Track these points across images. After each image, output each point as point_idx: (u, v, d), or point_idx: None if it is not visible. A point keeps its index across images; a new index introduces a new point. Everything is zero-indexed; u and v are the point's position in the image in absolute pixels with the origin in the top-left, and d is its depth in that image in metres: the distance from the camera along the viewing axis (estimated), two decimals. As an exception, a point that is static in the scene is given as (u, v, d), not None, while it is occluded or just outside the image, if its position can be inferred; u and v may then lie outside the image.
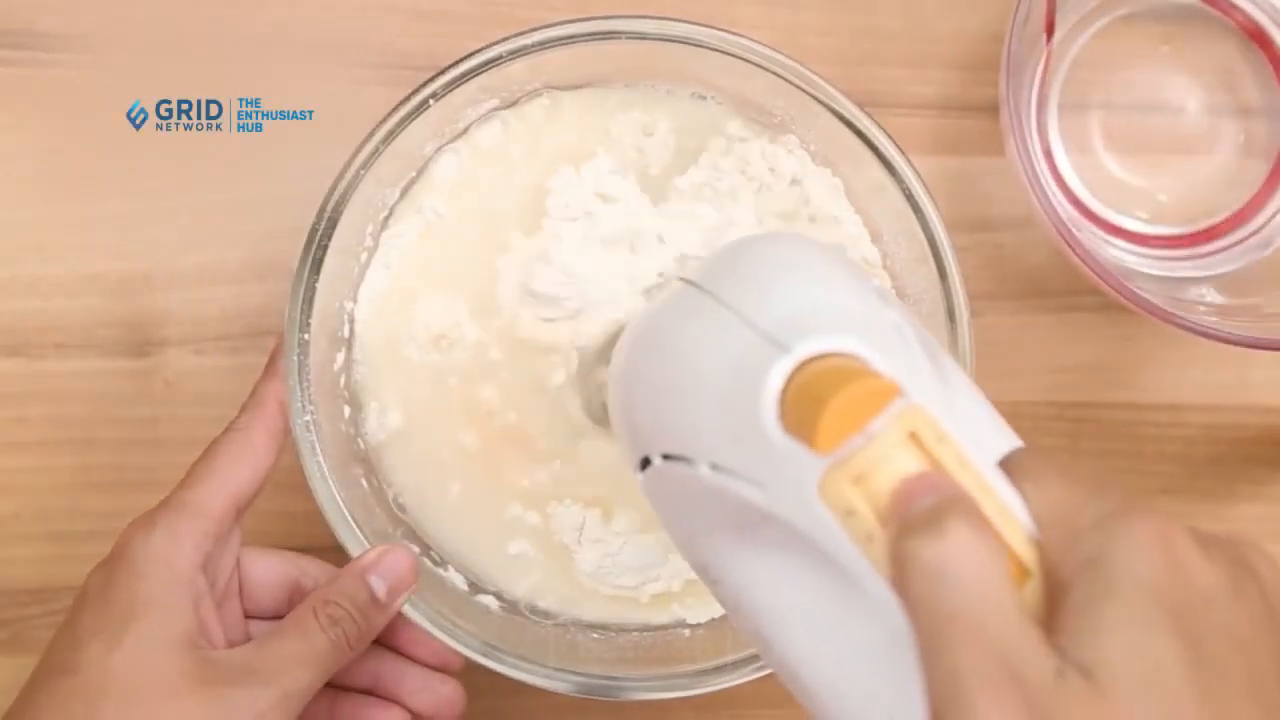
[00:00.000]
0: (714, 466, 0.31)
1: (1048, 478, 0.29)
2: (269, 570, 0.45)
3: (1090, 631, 0.26)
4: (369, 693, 0.45)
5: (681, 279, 0.35)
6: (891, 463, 0.28)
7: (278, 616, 0.44)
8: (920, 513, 0.27)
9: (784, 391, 0.29)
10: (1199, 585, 0.27)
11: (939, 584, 0.26)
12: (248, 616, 0.45)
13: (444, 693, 0.46)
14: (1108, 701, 0.25)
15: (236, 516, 0.43)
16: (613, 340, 0.47)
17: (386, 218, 0.49)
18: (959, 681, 0.26)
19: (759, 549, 0.31)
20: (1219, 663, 0.26)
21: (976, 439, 0.29)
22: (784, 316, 0.31)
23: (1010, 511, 0.28)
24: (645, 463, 0.34)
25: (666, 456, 0.33)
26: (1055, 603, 0.27)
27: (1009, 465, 0.29)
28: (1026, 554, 0.28)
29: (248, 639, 0.43)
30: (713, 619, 0.49)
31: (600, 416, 0.48)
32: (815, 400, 0.28)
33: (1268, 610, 0.28)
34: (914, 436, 0.28)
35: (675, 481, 0.33)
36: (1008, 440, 0.31)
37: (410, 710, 0.45)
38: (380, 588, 0.43)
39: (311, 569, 0.46)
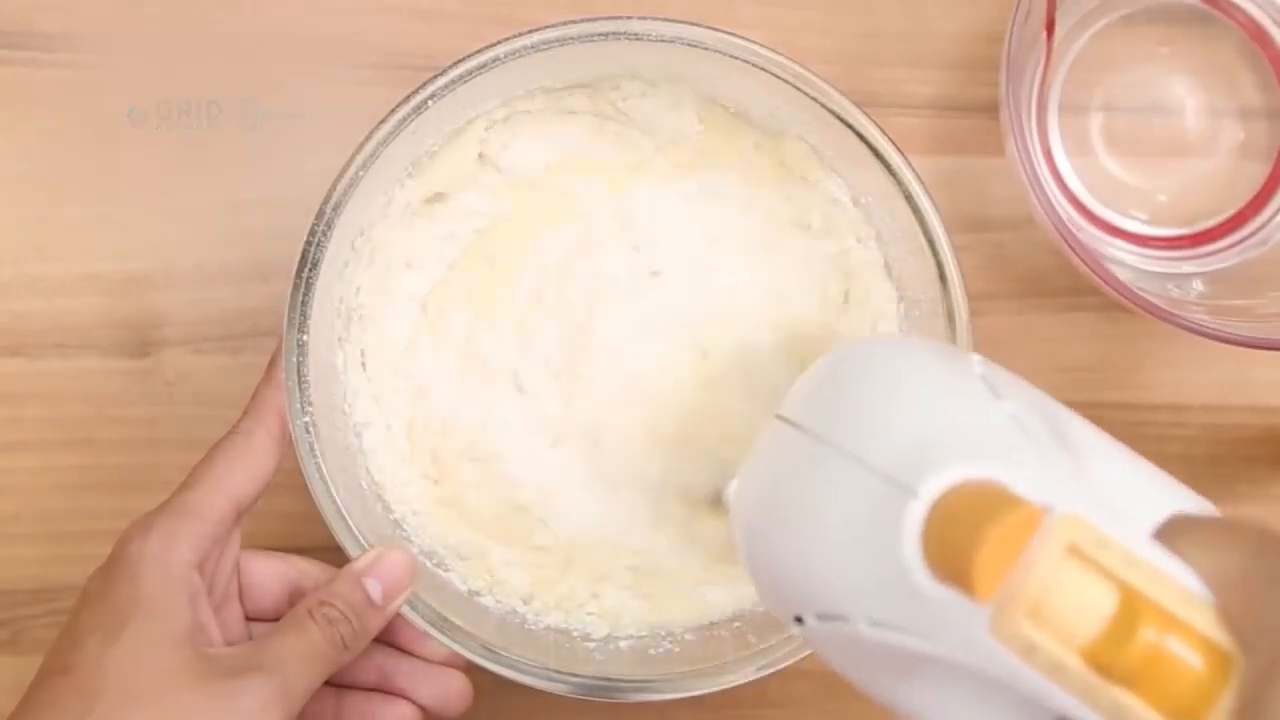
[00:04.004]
0: (872, 623, 0.30)
1: (1209, 541, 0.27)
2: (268, 572, 0.45)
3: None
4: (375, 689, 0.45)
5: (780, 417, 0.34)
6: (1059, 586, 0.27)
7: (278, 619, 0.44)
8: None
9: (923, 537, 0.28)
10: None
11: None
12: (248, 619, 0.45)
13: (450, 685, 0.46)
14: None
15: (235, 519, 0.43)
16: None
17: (386, 219, 0.49)
18: None
19: (939, 685, 0.30)
20: None
21: (1129, 511, 0.28)
22: (899, 450, 0.29)
23: (1194, 599, 0.27)
24: (799, 619, 0.33)
25: (821, 616, 0.32)
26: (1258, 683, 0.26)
27: (1168, 534, 0.28)
28: (1222, 639, 0.27)
29: (248, 640, 0.43)
30: (710, 623, 0.49)
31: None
32: (961, 545, 0.27)
33: None
34: (1073, 548, 0.27)
35: (836, 636, 0.32)
36: (1161, 494, 0.29)
37: (417, 704, 0.45)
38: (376, 591, 0.43)
39: (311, 571, 0.46)
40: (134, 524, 0.42)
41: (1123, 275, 0.49)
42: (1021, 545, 0.27)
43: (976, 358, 0.33)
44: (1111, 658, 0.26)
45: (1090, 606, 0.27)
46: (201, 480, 0.43)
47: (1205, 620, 0.27)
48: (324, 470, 0.44)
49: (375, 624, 0.43)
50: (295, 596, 0.45)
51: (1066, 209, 0.54)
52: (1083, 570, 0.27)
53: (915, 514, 0.28)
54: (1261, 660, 0.26)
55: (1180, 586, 0.27)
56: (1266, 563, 0.27)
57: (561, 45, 0.45)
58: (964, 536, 0.27)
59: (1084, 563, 0.27)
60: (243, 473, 0.43)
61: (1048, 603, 0.27)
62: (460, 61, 0.45)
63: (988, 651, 0.27)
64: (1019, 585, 0.27)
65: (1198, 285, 0.54)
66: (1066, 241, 0.48)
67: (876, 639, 0.30)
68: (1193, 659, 0.26)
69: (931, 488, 0.28)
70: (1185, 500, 0.30)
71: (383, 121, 0.45)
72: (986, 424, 0.30)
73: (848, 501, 0.30)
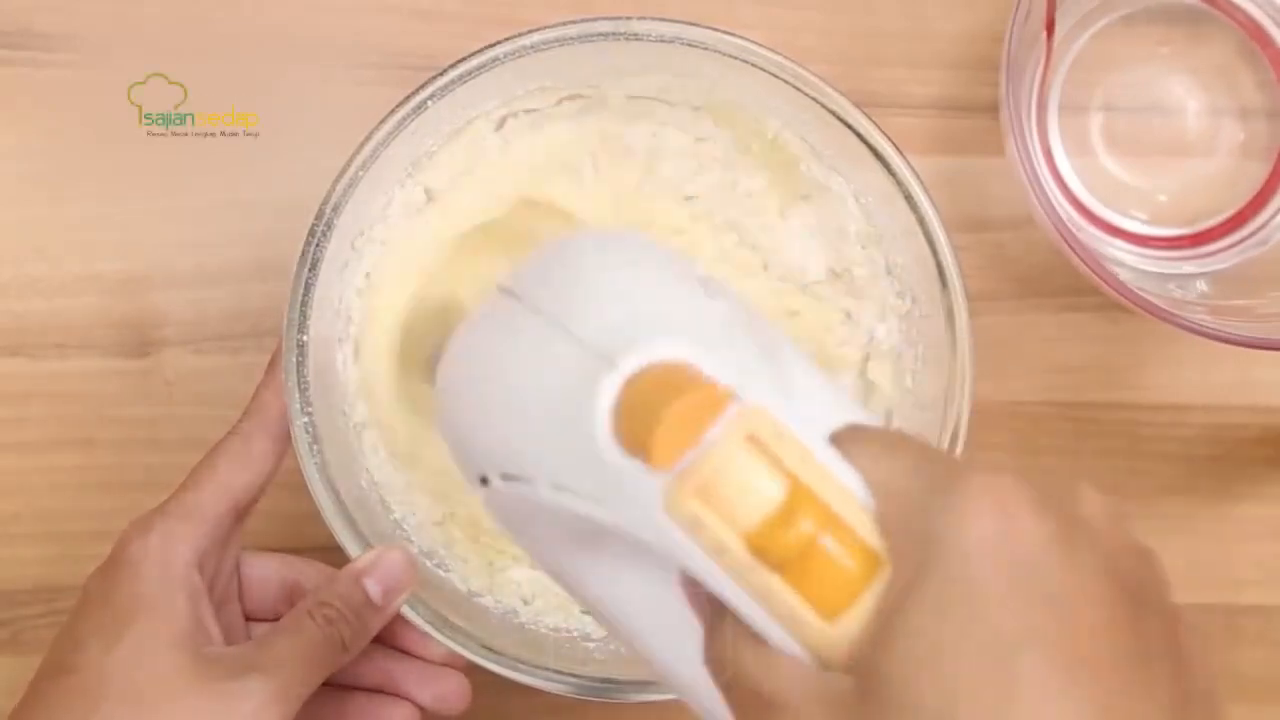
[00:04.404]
0: (555, 486, 0.31)
1: (878, 453, 0.29)
2: (268, 573, 0.45)
3: (895, 632, 0.26)
4: (376, 690, 0.46)
5: (499, 286, 0.35)
6: (733, 470, 0.28)
7: (277, 619, 0.44)
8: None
9: (615, 408, 0.29)
10: (1022, 555, 0.26)
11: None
12: (247, 619, 0.45)
13: (450, 684, 0.46)
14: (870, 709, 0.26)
15: (235, 519, 0.43)
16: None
17: (386, 218, 0.49)
18: None
19: (607, 559, 0.31)
20: (1038, 633, 0.25)
21: (813, 421, 0.29)
22: (607, 325, 0.31)
23: (856, 504, 0.28)
24: (484, 480, 0.33)
25: (505, 476, 0.32)
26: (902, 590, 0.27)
27: (842, 442, 0.29)
28: (874, 544, 0.28)
29: (247, 640, 0.43)
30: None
31: None
32: (647, 417, 0.28)
33: (1100, 563, 0.27)
34: (752, 438, 0.28)
35: (516, 499, 0.32)
36: (846, 409, 0.31)
37: (417, 704, 0.45)
38: (375, 591, 0.43)
39: (311, 571, 0.46)
40: (133, 524, 0.42)
41: (1123, 275, 0.49)
42: (704, 424, 0.28)
43: (700, 264, 0.34)
44: (769, 543, 0.28)
45: (758, 494, 0.28)
46: (201, 481, 0.43)
47: (862, 524, 0.28)
48: (324, 470, 0.44)
49: (375, 624, 0.43)
50: (295, 596, 0.45)
51: (1066, 209, 0.54)
52: (758, 459, 0.28)
53: (611, 384, 0.29)
54: (906, 568, 0.27)
55: (845, 490, 0.28)
56: (923, 479, 0.28)
57: (561, 45, 0.45)
58: (650, 408, 0.28)
59: (761, 453, 0.28)
60: (243, 473, 0.43)
61: (719, 485, 0.28)
62: (460, 61, 0.45)
63: (657, 524, 0.28)
64: (695, 463, 0.28)
65: (1198, 285, 0.55)
66: (1066, 241, 0.48)
67: (556, 503, 0.30)
68: (844, 557, 0.28)
69: (632, 362, 0.29)
70: (865, 418, 0.31)
71: (383, 121, 0.45)
72: (696, 317, 0.31)
73: (547, 366, 0.31)
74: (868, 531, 0.28)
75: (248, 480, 0.43)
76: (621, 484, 0.29)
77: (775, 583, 0.28)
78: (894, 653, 0.26)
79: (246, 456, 0.43)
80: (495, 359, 0.33)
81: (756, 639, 0.28)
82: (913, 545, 0.27)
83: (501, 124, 0.49)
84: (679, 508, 0.28)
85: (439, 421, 0.36)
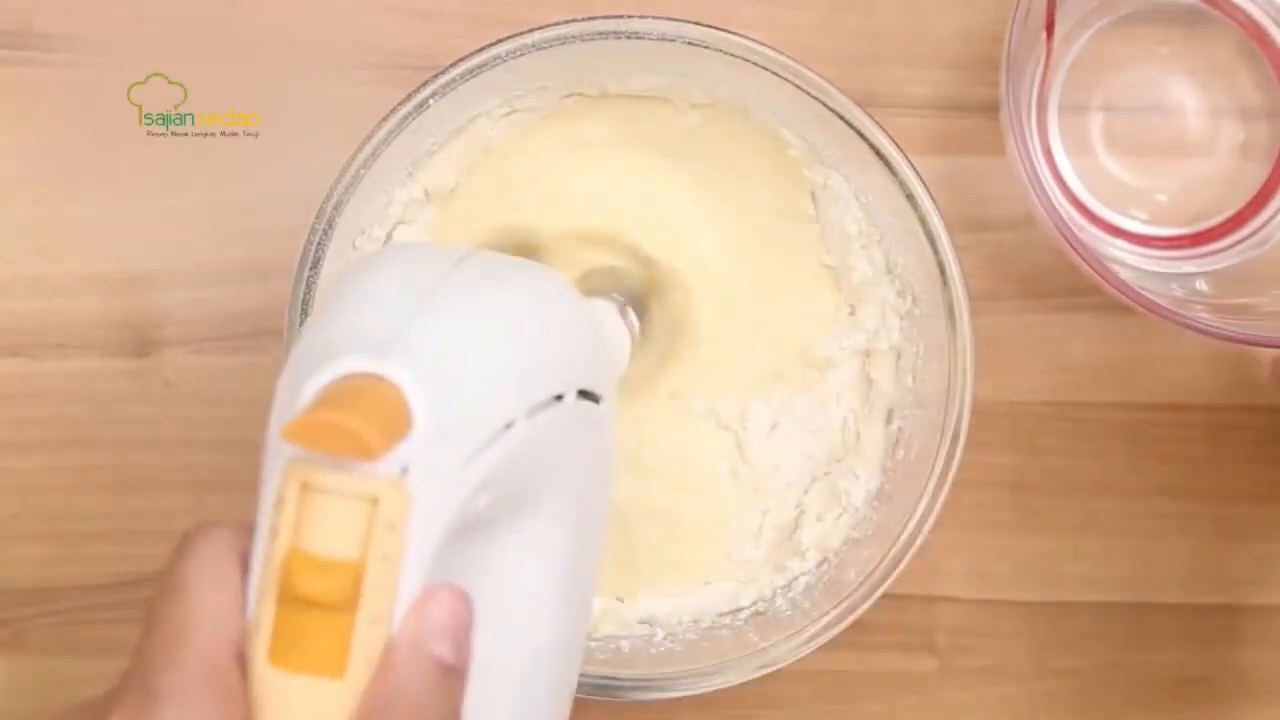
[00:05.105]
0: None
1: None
2: None
3: None
4: None
5: None
6: (333, 511, 0.28)
7: None
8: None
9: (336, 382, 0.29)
10: None
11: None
12: None
13: None
14: None
15: None
16: None
17: (387, 217, 0.49)
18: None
19: None
20: None
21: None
22: (348, 330, 0.30)
23: (380, 624, 0.28)
24: None
25: None
26: None
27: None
28: (354, 659, 0.28)
29: None
30: (710, 622, 0.49)
31: None
32: (349, 406, 0.27)
33: None
34: (375, 502, 0.28)
35: None
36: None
37: None
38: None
39: None
40: None
41: (1123, 275, 0.49)
42: (368, 453, 0.27)
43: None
44: (297, 574, 0.27)
45: (335, 539, 0.28)
46: None
47: (365, 640, 0.28)
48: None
49: None
50: None
51: (1067, 209, 0.54)
52: (355, 524, 0.28)
53: (319, 379, 0.29)
54: None
55: (381, 608, 0.28)
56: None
57: (562, 44, 0.45)
58: (341, 398, 0.28)
59: (365, 520, 0.28)
60: None
61: (313, 504, 0.28)
62: (460, 61, 0.45)
63: (278, 453, 0.28)
64: (321, 467, 0.27)
65: (1198, 285, 0.54)
66: (1068, 241, 0.48)
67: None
68: (323, 644, 0.28)
69: (348, 365, 0.29)
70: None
71: (383, 121, 0.45)
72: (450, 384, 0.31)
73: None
74: (360, 655, 0.28)
75: None
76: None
77: (272, 591, 0.28)
78: None
79: None
80: None
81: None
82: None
83: (499, 123, 0.49)
84: (292, 472, 0.28)
85: None
